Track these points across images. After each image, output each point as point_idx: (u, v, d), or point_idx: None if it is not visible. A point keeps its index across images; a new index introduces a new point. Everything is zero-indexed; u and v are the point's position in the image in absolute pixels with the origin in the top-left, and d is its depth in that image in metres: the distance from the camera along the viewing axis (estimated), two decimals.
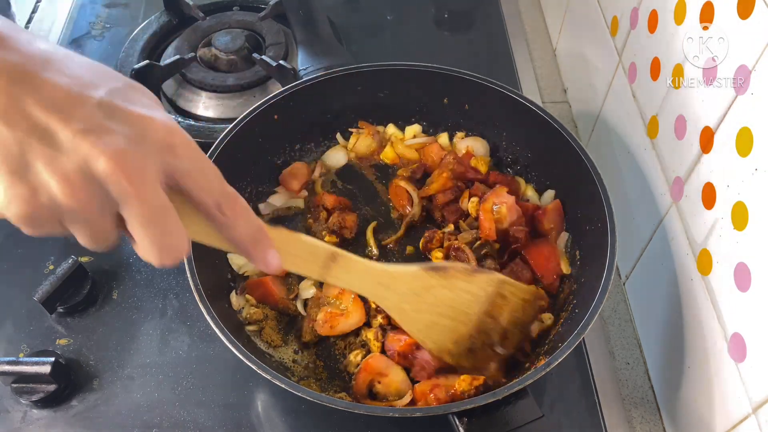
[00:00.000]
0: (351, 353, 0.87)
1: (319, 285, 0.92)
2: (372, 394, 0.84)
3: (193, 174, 0.52)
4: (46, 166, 0.46)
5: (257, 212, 1.02)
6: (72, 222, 0.49)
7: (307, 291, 0.92)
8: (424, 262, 0.77)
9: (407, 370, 0.85)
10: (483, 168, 1.03)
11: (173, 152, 0.50)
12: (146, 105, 0.51)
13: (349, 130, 1.10)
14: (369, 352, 0.87)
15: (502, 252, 0.94)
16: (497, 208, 0.94)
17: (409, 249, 0.99)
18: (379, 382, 0.83)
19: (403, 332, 0.82)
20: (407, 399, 0.81)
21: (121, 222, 0.50)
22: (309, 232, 1.00)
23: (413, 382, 0.84)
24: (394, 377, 0.83)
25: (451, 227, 0.98)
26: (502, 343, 0.82)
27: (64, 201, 0.47)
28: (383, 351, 0.86)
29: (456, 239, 0.94)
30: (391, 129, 1.11)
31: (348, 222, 0.98)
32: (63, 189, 0.47)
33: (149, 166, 0.49)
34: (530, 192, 1.04)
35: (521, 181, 1.05)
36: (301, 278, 0.94)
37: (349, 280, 0.70)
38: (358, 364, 0.85)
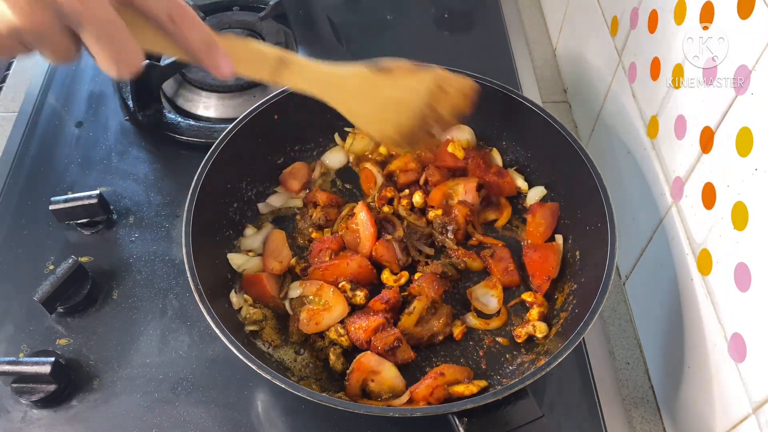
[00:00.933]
0: (330, 352, 0.87)
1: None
2: (366, 393, 0.84)
3: None
4: None
5: (256, 212, 1.02)
6: (32, 41, 0.53)
7: (294, 291, 0.92)
8: (370, 61, 0.81)
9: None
10: (459, 153, 1.04)
11: None
12: None
13: (346, 129, 1.10)
14: (342, 347, 0.87)
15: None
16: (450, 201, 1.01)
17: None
18: (372, 380, 0.83)
19: (364, 319, 0.86)
20: (405, 398, 0.81)
21: (78, 38, 0.54)
22: (296, 229, 1.01)
23: (407, 379, 0.84)
24: (387, 374, 0.84)
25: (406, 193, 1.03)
26: (438, 127, 0.87)
27: (20, 24, 0.51)
28: (352, 343, 0.87)
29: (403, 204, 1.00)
30: None
31: (332, 216, 0.99)
32: (18, 13, 0.51)
33: None
34: (520, 182, 1.04)
35: (496, 154, 1.07)
36: (293, 278, 0.95)
37: (299, 82, 0.74)
38: (344, 362, 0.86)
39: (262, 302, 0.91)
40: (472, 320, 0.91)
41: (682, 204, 0.83)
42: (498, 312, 0.92)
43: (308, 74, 0.75)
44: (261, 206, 1.02)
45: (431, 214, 0.99)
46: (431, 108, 0.85)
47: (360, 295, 0.90)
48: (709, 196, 0.76)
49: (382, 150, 1.08)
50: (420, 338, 0.88)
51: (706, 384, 0.78)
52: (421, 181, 1.04)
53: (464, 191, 1.00)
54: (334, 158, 1.09)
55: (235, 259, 0.95)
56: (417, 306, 0.88)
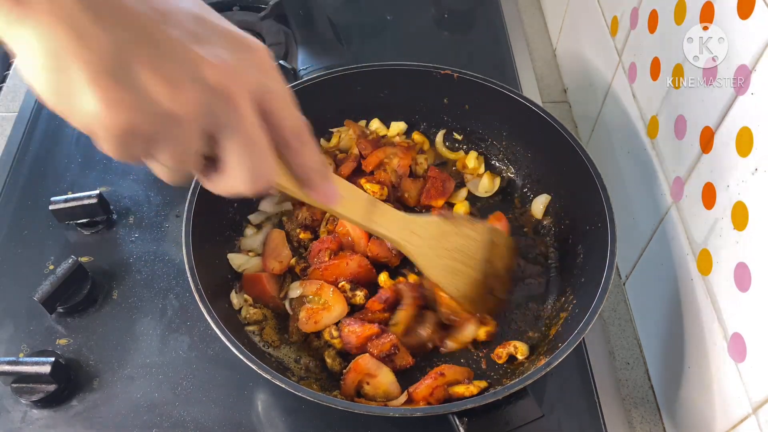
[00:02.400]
0: (325, 355, 0.87)
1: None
2: (360, 395, 0.84)
3: (282, 97, 0.51)
4: (150, 69, 0.42)
5: (247, 223, 1.01)
6: (166, 137, 0.44)
7: (294, 291, 0.92)
8: (439, 214, 0.86)
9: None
10: (421, 169, 1.07)
11: (269, 74, 0.50)
12: (230, 25, 0.50)
13: (330, 130, 1.10)
14: (336, 349, 0.87)
15: None
16: None
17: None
18: (368, 383, 0.83)
19: (358, 324, 0.86)
20: (403, 398, 0.81)
21: (209, 145, 0.47)
22: (283, 229, 1.00)
23: (407, 379, 0.84)
24: (383, 379, 0.83)
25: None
26: (500, 288, 0.90)
27: (169, 106, 0.43)
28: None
29: None
30: (374, 124, 1.11)
31: (318, 216, 0.99)
32: (170, 92, 0.42)
33: (252, 84, 0.47)
34: (471, 163, 1.07)
35: (421, 141, 1.09)
36: (293, 278, 0.95)
37: (388, 226, 0.76)
38: (341, 363, 0.86)
39: (262, 302, 0.91)
40: (451, 344, 0.89)
41: (682, 204, 0.83)
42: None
43: (393, 219, 0.77)
44: (252, 217, 1.01)
45: (375, 189, 1.00)
46: (490, 262, 0.87)
47: (360, 295, 0.90)
48: (709, 196, 0.76)
49: (337, 143, 1.09)
50: (411, 347, 0.87)
51: (706, 384, 0.78)
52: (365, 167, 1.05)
53: (398, 164, 1.04)
54: None
55: (235, 259, 0.95)
56: (402, 315, 0.88)
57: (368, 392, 0.84)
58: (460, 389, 0.82)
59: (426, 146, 1.10)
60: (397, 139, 1.09)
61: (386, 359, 0.85)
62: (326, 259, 0.93)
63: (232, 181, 0.49)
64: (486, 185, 1.06)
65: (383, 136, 1.10)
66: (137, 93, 0.42)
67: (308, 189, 0.59)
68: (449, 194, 1.04)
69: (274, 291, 0.92)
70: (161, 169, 0.49)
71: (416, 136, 1.10)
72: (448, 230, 0.84)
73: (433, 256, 0.82)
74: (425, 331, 0.88)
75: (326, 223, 0.99)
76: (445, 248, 0.84)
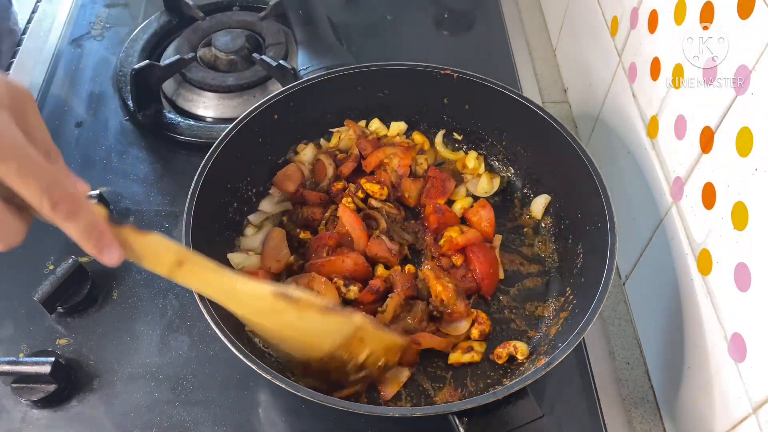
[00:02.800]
0: None
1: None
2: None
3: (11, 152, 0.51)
4: None
5: (248, 223, 1.01)
6: None
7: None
8: (278, 284, 0.76)
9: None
10: (421, 169, 1.07)
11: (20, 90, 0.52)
12: None
13: (330, 130, 1.10)
14: None
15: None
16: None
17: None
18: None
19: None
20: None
21: None
22: (283, 227, 1.00)
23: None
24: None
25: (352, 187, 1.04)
26: (355, 375, 0.81)
27: None
28: None
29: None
30: (374, 124, 1.11)
31: (318, 216, 0.99)
32: None
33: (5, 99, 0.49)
34: (471, 163, 1.07)
35: (421, 141, 1.09)
36: (288, 274, 0.95)
37: (196, 285, 0.72)
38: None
39: None
40: (456, 357, 0.88)
41: (682, 204, 0.83)
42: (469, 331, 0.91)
43: (205, 279, 0.71)
44: (251, 217, 1.01)
45: (375, 190, 1.00)
46: (348, 351, 0.79)
47: (353, 290, 0.91)
48: (709, 196, 0.76)
49: (337, 143, 1.09)
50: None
51: (706, 384, 0.78)
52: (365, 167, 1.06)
53: (398, 164, 1.03)
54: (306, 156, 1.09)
55: (235, 258, 0.95)
56: (390, 304, 0.88)
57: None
58: (456, 355, 0.85)
59: (426, 146, 1.10)
60: (398, 139, 1.09)
61: None
62: (324, 255, 0.93)
63: None
64: (485, 185, 1.06)
65: (383, 136, 1.10)
66: None
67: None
68: (449, 194, 1.04)
69: None
70: None
71: (416, 137, 1.10)
72: (282, 309, 0.73)
73: (258, 323, 0.76)
74: (413, 320, 0.88)
75: (326, 223, 0.99)
76: (276, 322, 0.75)
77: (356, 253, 0.94)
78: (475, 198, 1.06)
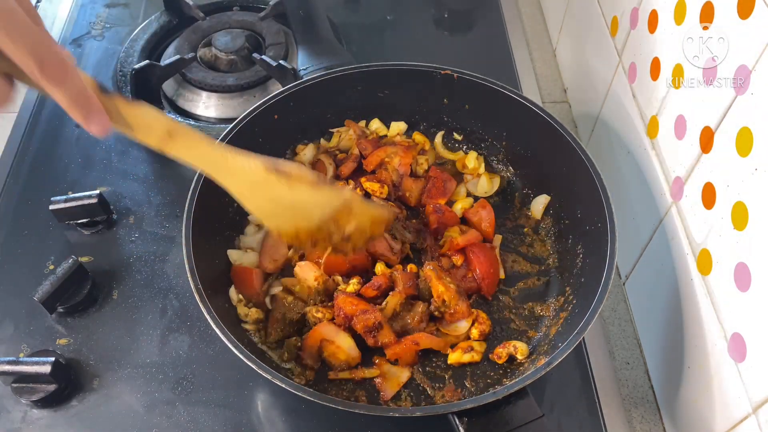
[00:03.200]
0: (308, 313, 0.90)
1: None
2: (324, 360, 0.87)
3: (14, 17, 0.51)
4: None
5: (248, 223, 1.01)
6: None
7: (276, 288, 0.93)
8: (270, 157, 0.74)
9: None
10: (422, 169, 1.08)
11: None
12: None
13: (330, 130, 1.10)
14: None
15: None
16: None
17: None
18: (327, 348, 0.86)
19: (354, 297, 0.88)
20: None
21: None
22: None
23: (364, 350, 0.87)
24: (342, 343, 0.86)
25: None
26: (342, 244, 0.82)
27: None
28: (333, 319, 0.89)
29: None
30: (375, 124, 1.11)
31: None
32: None
33: None
34: (471, 163, 1.07)
35: (422, 141, 1.09)
36: (283, 274, 0.95)
37: (187, 155, 0.70)
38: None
39: (246, 296, 0.91)
40: (456, 357, 0.88)
41: (682, 204, 0.83)
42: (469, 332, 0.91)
43: (197, 151, 0.70)
44: (252, 217, 1.01)
45: (376, 188, 1.01)
46: (335, 222, 0.79)
47: (353, 283, 0.91)
48: (709, 196, 0.76)
49: (337, 143, 1.10)
50: (396, 332, 0.88)
51: (706, 384, 0.78)
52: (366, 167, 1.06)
53: (399, 163, 1.04)
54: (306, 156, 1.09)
55: (233, 254, 0.95)
56: (390, 301, 0.89)
57: (329, 357, 0.86)
58: (456, 355, 0.86)
59: (427, 146, 1.10)
60: (398, 138, 1.10)
61: (369, 335, 0.86)
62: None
63: None
64: (485, 186, 1.06)
65: (383, 137, 1.10)
66: None
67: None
68: (450, 194, 1.04)
69: (258, 287, 0.92)
70: None
71: (417, 137, 1.10)
72: (273, 182, 0.74)
73: (248, 195, 0.75)
74: (412, 319, 0.88)
75: None
76: (266, 195, 0.75)
77: None
78: (475, 198, 1.06)
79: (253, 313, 0.89)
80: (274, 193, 0.75)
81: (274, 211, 0.77)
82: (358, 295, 0.91)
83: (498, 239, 1.00)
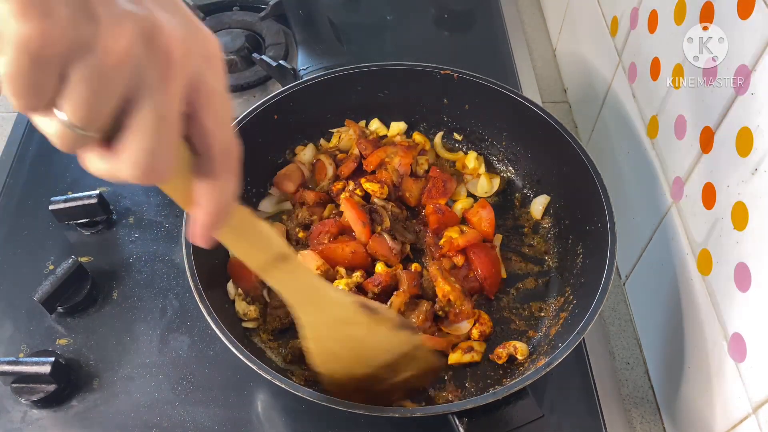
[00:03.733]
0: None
1: None
2: None
3: (218, 98, 0.44)
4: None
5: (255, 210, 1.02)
6: (84, 68, 0.36)
7: None
8: (360, 296, 0.75)
9: None
10: (422, 169, 1.07)
11: (215, 68, 0.44)
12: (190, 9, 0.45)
13: (330, 130, 1.10)
14: None
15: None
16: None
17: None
18: None
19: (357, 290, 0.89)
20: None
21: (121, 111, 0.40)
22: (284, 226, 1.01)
23: None
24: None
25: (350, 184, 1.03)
26: (382, 392, 0.80)
27: (101, 31, 0.36)
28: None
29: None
30: (374, 124, 1.11)
31: (316, 215, 1.00)
32: (108, 19, 0.36)
33: (194, 67, 0.42)
34: (471, 163, 1.07)
35: (422, 142, 1.09)
36: None
37: (288, 285, 0.65)
38: None
39: (244, 289, 0.91)
40: (457, 357, 0.88)
41: (682, 204, 0.83)
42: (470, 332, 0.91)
43: (299, 282, 0.66)
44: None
45: (376, 189, 1.00)
46: (392, 371, 0.77)
47: (356, 275, 0.91)
48: (709, 196, 0.76)
49: (337, 143, 1.10)
50: None
51: (706, 384, 0.78)
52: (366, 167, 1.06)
53: (399, 163, 1.03)
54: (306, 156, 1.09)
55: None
56: (394, 301, 0.89)
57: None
58: (456, 355, 0.86)
59: (427, 146, 1.10)
60: (398, 138, 1.10)
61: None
62: (325, 241, 0.94)
63: (122, 160, 0.41)
64: (485, 186, 1.06)
65: (383, 137, 1.10)
66: (67, 5, 0.35)
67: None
68: (450, 194, 1.04)
69: (256, 278, 0.92)
70: (57, 126, 0.39)
71: (417, 137, 1.10)
72: (359, 321, 0.72)
73: (323, 336, 0.72)
74: (416, 319, 0.88)
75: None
76: (344, 334, 0.72)
77: (357, 242, 0.94)
78: (475, 198, 1.06)
79: (252, 312, 0.89)
80: (353, 332, 0.72)
81: (337, 355, 0.74)
82: (360, 288, 0.91)
83: (498, 239, 1.00)
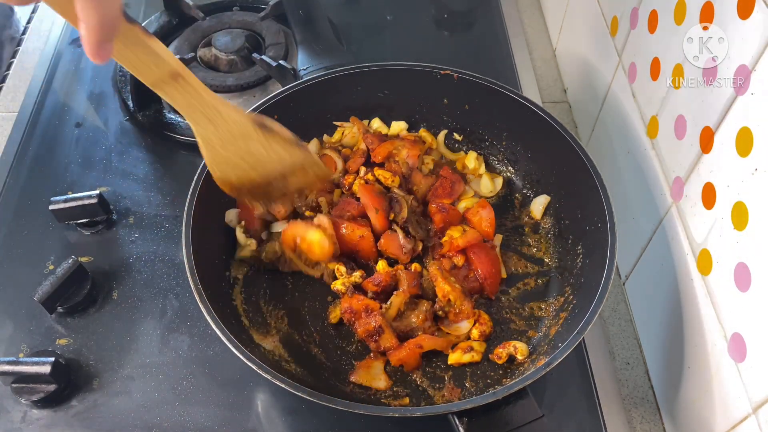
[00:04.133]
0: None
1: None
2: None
3: None
4: None
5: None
6: None
7: (277, 227, 0.99)
8: (257, 114, 0.79)
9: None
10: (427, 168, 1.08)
11: None
12: None
13: (334, 123, 1.10)
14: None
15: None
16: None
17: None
18: (300, 244, 0.93)
19: (359, 295, 0.90)
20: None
21: None
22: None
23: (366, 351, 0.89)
24: (312, 237, 0.92)
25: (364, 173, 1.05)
26: (276, 196, 0.86)
27: None
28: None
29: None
30: (376, 123, 1.11)
31: (328, 199, 1.01)
32: None
33: None
34: (471, 163, 1.08)
35: (427, 140, 1.09)
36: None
37: (179, 100, 0.70)
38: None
39: (246, 222, 0.97)
40: (456, 357, 0.88)
41: (682, 204, 0.83)
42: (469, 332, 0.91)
43: (192, 96, 0.71)
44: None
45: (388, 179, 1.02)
46: (283, 178, 0.83)
47: (356, 275, 0.92)
48: (709, 196, 0.76)
49: (340, 138, 1.10)
50: (399, 332, 0.88)
51: (706, 384, 0.78)
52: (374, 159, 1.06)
53: (407, 155, 1.04)
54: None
55: (230, 214, 0.98)
56: (394, 301, 0.89)
57: (303, 250, 0.93)
58: (456, 355, 0.86)
59: (434, 145, 1.10)
60: (403, 134, 1.10)
61: (370, 339, 0.86)
62: (342, 217, 0.97)
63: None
64: (488, 185, 1.06)
65: (386, 135, 1.10)
66: None
67: (94, 43, 0.55)
68: (457, 196, 1.04)
69: (259, 218, 0.98)
70: None
71: (424, 134, 1.10)
72: (253, 136, 0.77)
73: (217, 145, 0.77)
74: (416, 319, 0.88)
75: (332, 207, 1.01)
76: (237, 146, 0.78)
77: (368, 229, 0.95)
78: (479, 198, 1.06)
79: (252, 244, 0.94)
80: (246, 146, 0.77)
81: (232, 162, 0.79)
82: (359, 288, 0.92)
83: (498, 239, 1.00)
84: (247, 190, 0.83)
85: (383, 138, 1.07)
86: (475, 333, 0.89)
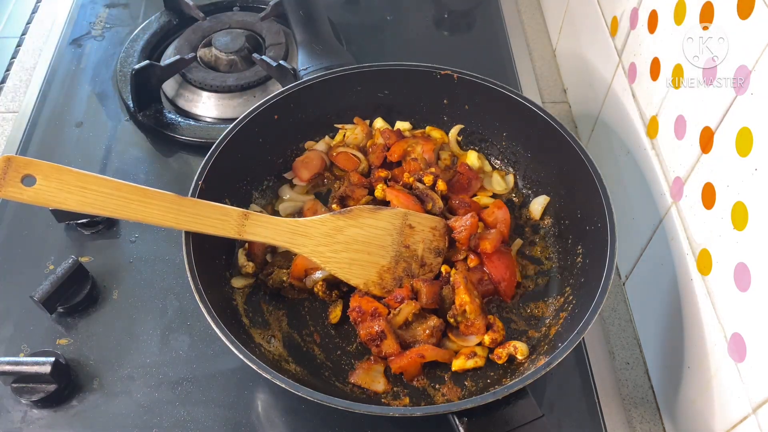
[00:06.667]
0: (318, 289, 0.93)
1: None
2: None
3: None
4: None
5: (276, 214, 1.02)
6: None
7: (285, 192, 1.04)
8: (329, 212, 0.87)
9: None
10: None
11: None
12: None
13: (336, 125, 1.10)
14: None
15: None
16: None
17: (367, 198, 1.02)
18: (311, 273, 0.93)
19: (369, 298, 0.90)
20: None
21: None
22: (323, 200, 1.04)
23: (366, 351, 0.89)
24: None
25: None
26: (421, 270, 0.91)
27: None
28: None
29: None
30: (378, 123, 1.11)
31: (357, 196, 1.00)
32: None
33: None
34: (474, 162, 1.08)
35: (439, 137, 1.09)
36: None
37: (265, 234, 0.81)
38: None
39: (250, 246, 0.96)
40: (460, 363, 0.88)
41: (682, 204, 0.83)
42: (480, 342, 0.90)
43: (271, 226, 0.82)
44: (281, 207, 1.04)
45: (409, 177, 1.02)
46: (407, 247, 0.90)
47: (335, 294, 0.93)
48: (709, 196, 0.76)
49: (337, 139, 1.11)
50: (403, 341, 0.87)
51: (706, 384, 0.78)
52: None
53: (422, 150, 1.05)
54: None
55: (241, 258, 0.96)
56: (404, 309, 0.88)
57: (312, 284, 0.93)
58: (460, 361, 0.86)
59: (446, 140, 1.10)
60: (407, 134, 1.09)
61: (372, 342, 0.86)
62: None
63: None
64: (501, 182, 1.06)
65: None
66: None
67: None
68: (473, 192, 1.04)
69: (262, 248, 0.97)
70: None
71: (433, 132, 1.10)
72: (342, 224, 0.87)
73: (327, 252, 0.85)
74: (422, 333, 0.87)
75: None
76: (341, 242, 0.86)
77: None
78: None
79: (249, 267, 0.93)
80: (347, 237, 0.87)
81: (354, 261, 0.87)
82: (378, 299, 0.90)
83: (518, 244, 0.99)
84: (390, 279, 0.89)
85: (399, 134, 1.07)
86: (486, 339, 0.87)
